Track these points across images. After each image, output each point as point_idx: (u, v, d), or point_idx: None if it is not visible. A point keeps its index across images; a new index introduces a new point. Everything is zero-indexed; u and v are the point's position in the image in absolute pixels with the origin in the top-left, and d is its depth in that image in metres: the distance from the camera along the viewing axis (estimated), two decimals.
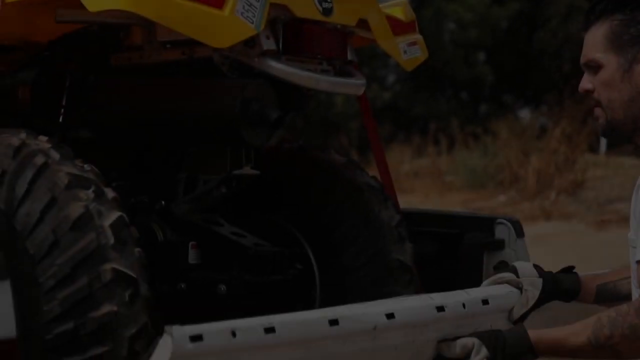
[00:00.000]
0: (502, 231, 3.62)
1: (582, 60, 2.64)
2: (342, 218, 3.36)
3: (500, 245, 3.62)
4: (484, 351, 2.52)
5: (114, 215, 2.60)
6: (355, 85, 3.13)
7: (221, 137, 2.97)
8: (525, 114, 22.01)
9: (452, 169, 16.85)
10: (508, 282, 2.75)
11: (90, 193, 2.60)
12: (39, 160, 2.60)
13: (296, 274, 3.35)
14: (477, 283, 3.55)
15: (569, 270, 2.84)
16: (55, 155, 2.64)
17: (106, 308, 2.52)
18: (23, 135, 2.67)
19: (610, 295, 2.80)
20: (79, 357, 2.50)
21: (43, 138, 2.70)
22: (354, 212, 3.36)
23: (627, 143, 2.67)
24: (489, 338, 2.55)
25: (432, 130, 17.88)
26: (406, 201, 3.67)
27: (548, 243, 11.89)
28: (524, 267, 2.77)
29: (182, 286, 3.10)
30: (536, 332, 2.52)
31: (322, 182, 3.40)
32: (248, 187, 3.29)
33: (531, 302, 2.71)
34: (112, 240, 2.57)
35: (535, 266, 2.80)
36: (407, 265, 3.37)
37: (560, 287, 2.76)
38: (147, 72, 3.16)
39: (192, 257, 3.11)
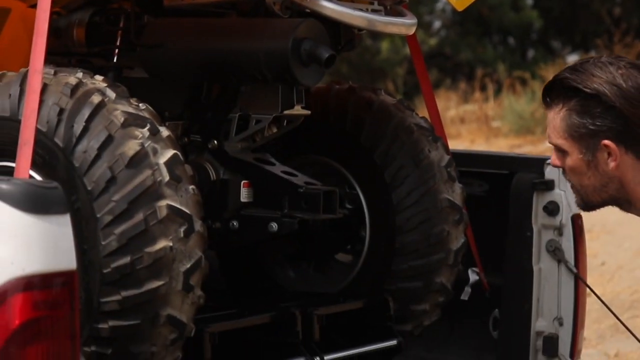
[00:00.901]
0: (552, 172, 3.62)
1: (548, 139, 2.64)
2: (392, 158, 3.38)
3: (550, 185, 3.62)
4: None
5: (169, 153, 2.65)
6: (406, 25, 3.13)
7: (273, 76, 2.99)
8: (574, 59, 21.82)
9: (498, 114, 16.76)
10: None
11: (145, 131, 2.64)
12: (96, 99, 2.65)
13: (346, 213, 3.40)
14: (526, 221, 3.62)
15: None
16: (112, 94, 2.68)
17: (161, 243, 2.58)
18: (80, 74, 2.71)
19: None
20: (135, 290, 2.56)
21: (99, 77, 2.74)
22: (404, 152, 3.37)
23: None
24: None
25: (479, 76, 17.79)
26: (452, 146, 3.70)
27: None
28: None
29: (234, 224, 3.15)
30: None
31: (373, 123, 3.41)
32: (299, 126, 3.32)
33: None
34: (167, 178, 2.61)
35: None
36: (457, 205, 3.39)
37: None
38: (200, 12, 3.19)
39: (244, 195, 3.15)
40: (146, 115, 2.69)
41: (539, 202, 3.63)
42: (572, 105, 2.54)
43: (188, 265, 2.62)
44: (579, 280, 3.63)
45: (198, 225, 2.66)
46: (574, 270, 3.58)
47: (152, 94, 3.00)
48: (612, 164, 2.55)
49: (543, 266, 3.65)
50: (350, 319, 3.28)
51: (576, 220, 3.61)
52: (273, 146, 3.38)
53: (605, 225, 10.15)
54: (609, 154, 2.54)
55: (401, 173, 3.37)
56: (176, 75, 3.15)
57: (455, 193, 3.41)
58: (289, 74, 2.94)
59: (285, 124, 3.23)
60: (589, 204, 2.64)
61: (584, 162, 2.57)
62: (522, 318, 3.62)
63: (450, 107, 18.35)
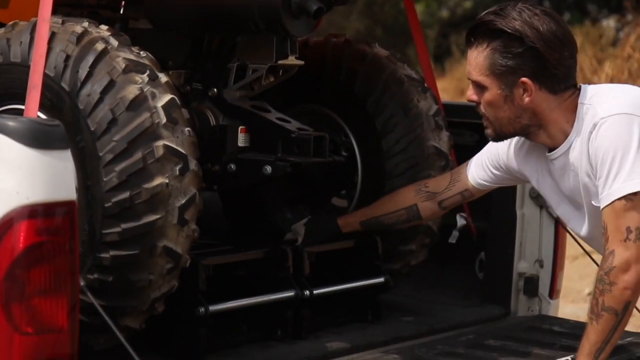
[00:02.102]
0: None
1: (467, 75, 2.89)
2: (383, 107, 3.55)
3: None
4: None
5: (166, 97, 2.84)
6: None
7: (266, 27, 3.16)
8: (610, 23, 21.70)
9: None
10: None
11: (145, 77, 2.83)
12: (100, 46, 2.85)
13: (339, 158, 3.60)
14: None
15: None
16: (114, 42, 2.88)
17: (158, 180, 2.78)
18: (85, 23, 2.91)
19: (375, 227, 3.39)
20: (134, 223, 2.77)
21: (104, 27, 2.94)
22: (394, 101, 3.55)
23: None
24: None
25: None
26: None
27: None
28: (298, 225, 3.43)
29: (232, 167, 3.35)
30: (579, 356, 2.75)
31: (366, 74, 3.59)
32: (296, 77, 3.52)
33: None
34: (164, 120, 2.81)
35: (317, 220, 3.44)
36: (443, 152, 3.58)
37: (322, 228, 3.42)
38: None
39: (241, 140, 3.35)
40: (146, 62, 2.89)
41: None
42: (496, 45, 2.79)
43: (183, 201, 2.83)
44: (559, 225, 3.81)
45: (193, 165, 2.86)
46: (555, 214, 3.76)
47: (156, 45, 3.20)
48: (527, 99, 2.82)
49: (526, 211, 3.83)
50: (340, 256, 3.49)
51: None
52: (272, 95, 3.59)
53: None
54: (525, 90, 2.82)
55: (391, 121, 3.55)
56: (178, 26, 3.35)
57: (442, 141, 3.60)
58: (280, 25, 3.13)
59: (280, 73, 3.44)
60: (500, 135, 2.92)
61: (501, 97, 2.83)
62: (505, 260, 3.81)
63: None
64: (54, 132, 2.44)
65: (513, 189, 3.78)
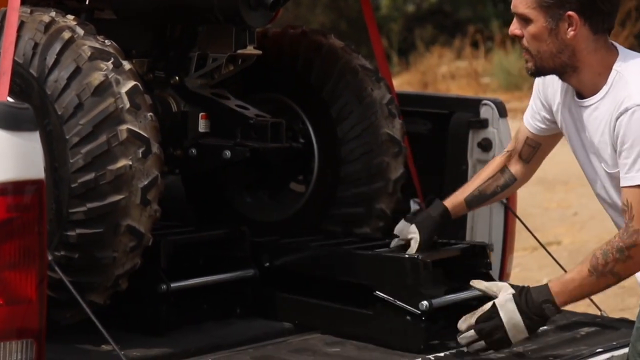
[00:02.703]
0: (486, 111, 3.98)
1: (513, 9, 2.94)
2: (338, 95, 3.71)
3: (484, 124, 3.97)
4: (510, 289, 3.03)
5: (130, 83, 3.00)
6: None
7: (225, 18, 3.32)
8: None
9: (488, 71, 17.05)
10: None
11: (109, 64, 2.99)
12: (66, 35, 3.00)
13: (296, 144, 3.76)
14: (462, 156, 3.98)
15: (432, 201, 3.44)
16: (80, 31, 3.03)
17: (122, 162, 2.94)
18: (53, 13, 3.06)
19: (478, 201, 3.39)
20: (99, 202, 2.92)
21: (70, 16, 3.09)
22: (349, 90, 3.71)
23: None
24: (518, 288, 3.02)
25: (471, 33, 18.01)
26: None
27: None
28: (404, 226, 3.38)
29: (193, 151, 3.50)
30: (552, 283, 2.97)
31: (322, 64, 3.75)
32: (255, 66, 3.67)
33: (415, 244, 3.31)
34: (127, 105, 2.97)
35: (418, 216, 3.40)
36: (396, 139, 3.74)
37: (433, 219, 3.35)
38: None
39: (202, 126, 3.49)
40: (111, 50, 3.04)
41: (474, 139, 3.97)
42: None
43: (145, 182, 2.98)
44: (509, 211, 3.99)
45: (155, 148, 3.02)
46: (504, 200, 3.93)
47: (120, 34, 3.34)
48: (571, 33, 2.90)
49: None
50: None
51: None
52: (232, 83, 3.74)
53: (580, 178, 10.54)
54: (570, 24, 2.89)
55: (346, 109, 3.71)
56: (141, 17, 3.49)
57: (395, 128, 3.76)
58: (239, 16, 3.29)
59: (239, 62, 3.59)
60: (540, 69, 2.97)
61: (546, 30, 2.90)
62: None
63: (443, 63, 18.61)
64: (23, 115, 2.58)
65: (464, 174, 3.95)
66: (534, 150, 3.30)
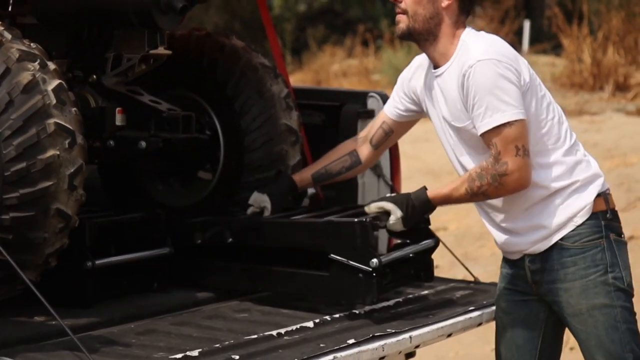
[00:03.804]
0: (372, 102, 4.40)
1: None
2: (241, 91, 4.06)
3: (371, 114, 4.38)
4: (399, 212, 3.46)
5: (55, 82, 3.30)
6: None
7: (139, 22, 3.66)
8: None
9: (378, 68, 17.55)
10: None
11: (36, 65, 3.28)
12: None
13: (204, 135, 4.12)
14: None
15: (278, 174, 3.93)
16: (8, 35, 3.32)
17: (50, 152, 3.22)
18: None
19: (324, 178, 3.86)
20: (30, 189, 3.21)
21: None
22: (250, 86, 4.07)
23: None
24: (401, 200, 3.49)
25: (361, 31, 18.48)
26: None
27: None
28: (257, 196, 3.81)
29: (111, 143, 3.84)
30: (430, 191, 3.46)
31: (225, 62, 4.10)
32: (165, 65, 4.03)
33: (267, 212, 3.76)
34: (54, 101, 3.26)
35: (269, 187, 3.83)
36: (293, 129, 4.12)
37: (282, 190, 3.81)
38: None
39: (119, 119, 3.82)
40: (37, 52, 3.34)
41: (362, 128, 4.33)
42: None
43: (72, 170, 3.29)
44: (395, 191, 4.42)
45: (80, 139, 3.33)
46: (390, 183, 4.37)
47: (41, 37, 3.66)
48: (446, 3, 3.39)
49: (366, 180, 4.42)
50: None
51: None
52: (146, 81, 4.09)
53: None
54: None
55: (248, 103, 4.06)
56: (60, 21, 3.80)
57: (292, 119, 4.15)
58: (151, 20, 3.64)
59: (151, 62, 3.95)
60: (410, 30, 3.43)
61: None
62: None
63: (334, 61, 19.06)
64: None
65: None
66: (386, 136, 3.76)
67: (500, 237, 3.50)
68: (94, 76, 3.87)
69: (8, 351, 3.05)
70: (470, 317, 3.69)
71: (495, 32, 15.88)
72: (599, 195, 3.43)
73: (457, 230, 9.41)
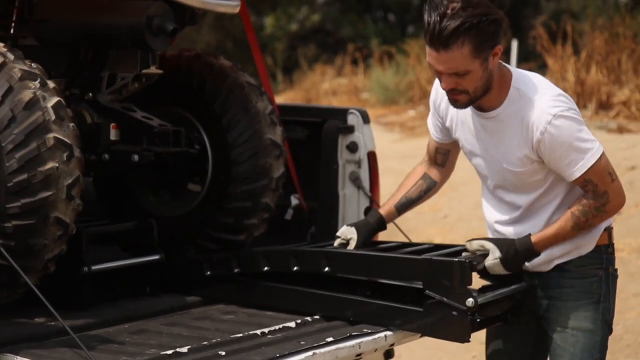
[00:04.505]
0: (353, 119, 4.63)
1: (449, 70, 3.29)
2: (228, 107, 4.29)
3: (351, 129, 4.61)
4: (498, 252, 3.52)
5: (55, 99, 3.52)
6: (231, 5, 4.13)
7: (132, 43, 3.92)
8: None
9: (367, 86, 17.80)
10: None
11: (37, 83, 3.50)
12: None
13: (193, 150, 4.37)
14: (334, 157, 4.62)
15: (369, 210, 4.00)
16: (11, 56, 3.54)
17: (50, 164, 3.44)
18: None
19: (407, 205, 3.91)
20: (31, 198, 3.43)
21: (1, 44, 3.67)
22: (237, 103, 4.30)
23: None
24: (504, 243, 3.53)
25: (351, 51, 18.73)
26: None
27: None
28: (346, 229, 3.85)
29: (106, 156, 4.08)
30: (534, 236, 3.50)
31: (213, 81, 4.34)
32: (157, 84, 4.28)
33: (353, 243, 3.79)
34: (53, 117, 3.48)
35: (358, 222, 3.88)
36: (277, 143, 4.35)
37: (370, 225, 3.84)
38: None
39: (113, 134, 4.05)
40: (37, 72, 3.57)
41: (343, 142, 4.60)
42: (472, 36, 3.25)
43: (70, 181, 3.50)
44: (374, 203, 4.66)
45: (77, 152, 3.55)
46: (369, 194, 4.61)
47: (41, 58, 3.90)
48: (495, 61, 3.35)
49: (347, 192, 4.63)
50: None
51: (371, 156, 4.61)
52: (139, 99, 4.33)
53: (450, 185, 11.30)
54: (495, 54, 3.34)
55: (235, 119, 4.29)
56: (59, 43, 4.05)
57: (276, 134, 4.38)
58: (144, 41, 3.89)
59: (144, 80, 4.21)
60: (473, 100, 3.39)
61: (481, 70, 3.33)
62: (330, 232, 4.46)
63: (325, 80, 19.30)
64: None
65: (335, 173, 4.61)
66: (445, 156, 3.80)
67: None
68: (90, 94, 4.11)
69: (12, 348, 3.29)
70: None
71: None
72: (604, 230, 3.58)
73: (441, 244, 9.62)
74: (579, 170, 3.43)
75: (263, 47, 22.36)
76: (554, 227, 3.50)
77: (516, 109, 3.43)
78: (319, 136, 4.68)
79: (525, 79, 3.48)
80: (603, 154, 3.45)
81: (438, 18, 3.26)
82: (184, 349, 3.33)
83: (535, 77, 3.50)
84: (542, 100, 3.40)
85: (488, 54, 3.33)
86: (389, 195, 4.34)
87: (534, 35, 15.33)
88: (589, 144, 3.42)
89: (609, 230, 3.60)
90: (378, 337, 3.61)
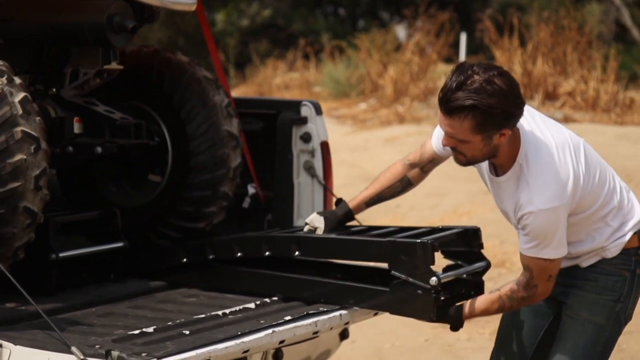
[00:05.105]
0: (306, 110, 4.82)
1: (449, 134, 3.40)
2: (186, 101, 4.47)
3: (304, 120, 4.80)
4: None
5: (21, 94, 3.68)
6: (188, 3, 4.32)
7: (94, 40, 4.09)
8: (401, 28, 23.04)
9: (319, 80, 18.01)
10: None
11: (4, 80, 3.67)
12: None
13: (153, 142, 4.54)
14: (288, 148, 4.81)
15: (339, 202, 4.14)
16: None
17: (18, 156, 3.61)
18: None
19: (376, 202, 4.08)
20: (1, 189, 3.59)
21: None
22: (195, 96, 4.47)
23: None
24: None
25: (302, 45, 18.92)
26: None
27: (400, 142, 13.18)
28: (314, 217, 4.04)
29: (70, 149, 4.26)
30: (466, 308, 3.66)
31: (171, 75, 4.51)
32: (118, 79, 4.46)
33: (320, 232, 3.99)
34: (21, 111, 3.64)
35: (326, 211, 4.08)
36: (234, 135, 4.53)
37: (337, 217, 4.05)
38: None
39: (77, 128, 4.23)
40: (4, 68, 3.73)
41: (297, 133, 4.79)
42: (477, 114, 3.35)
43: (37, 172, 3.66)
44: (327, 191, 4.84)
45: (44, 145, 3.71)
46: (322, 182, 4.81)
47: (7, 55, 4.04)
48: (501, 140, 3.42)
49: (301, 180, 4.81)
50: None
51: (324, 146, 4.80)
52: (101, 94, 4.49)
53: None
54: (502, 135, 3.41)
55: (193, 112, 4.47)
56: (24, 41, 4.22)
57: (233, 126, 4.56)
58: (105, 39, 4.08)
59: (105, 76, 4.39)
60: (471, 163, 3.53)
61: (482, 143, 3.43)
62: (286, 219, 4.80)
63: (277, 75, 19.48)
64: None
65: (290, 163, 4.80)
66: (435, 165, 3.94)
67: None
68: (54, 89, 4.28)
69: None
70: None
71: (432, 44, 16.44)
72: (634, 234, 3.67)
73: None
74: (529, 251, 3.53)
75: (215, 43, 22.33)
76: (483, 305, 3.66)
77: (514, 185, 3.53)
78: (274, 127, 4.85)
79: (534, 155, 3.50)
80: (558, 260, 3.54)
81: (454, 85, 3.35)
82: (150, 329, 3.51)
83: (547, 155, 3.50)
84: (539, 191, 3.46)
85: (492, 134, 3.41)
86: (342, 185, 4.53)
87: (482, 28, 15.63)
88: (554, 244, 3.49)
89: (638, 234, 3.67)
90: (333, 316, 3.82)
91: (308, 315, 3.75)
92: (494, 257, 8.59)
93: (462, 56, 17.74)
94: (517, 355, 3.86)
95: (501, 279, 8.09)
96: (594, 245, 3.66)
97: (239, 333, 3.48)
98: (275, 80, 18.91)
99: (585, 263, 3.69)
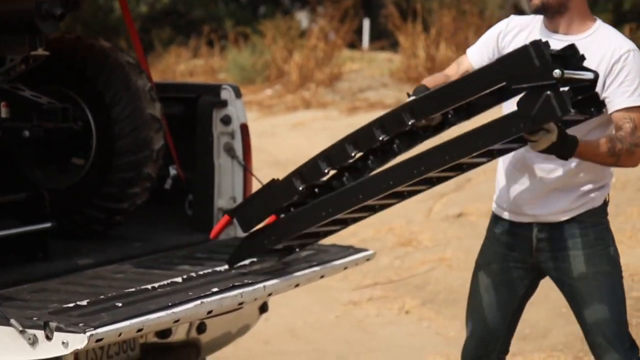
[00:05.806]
0: (225, 94, 5.00)
1: None
2: (110, 85, 4.63)
3: (224, 104, 4.98)
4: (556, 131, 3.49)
5: None
6: None
7: (22, 27, 4.21)
8: (302, 15, 23.25)
9: (224, 67, 18.12)
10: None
11: None
12: None
13: (77, 126, 4.68)
14: (209, 130, 4.99)
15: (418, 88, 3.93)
16: None
17: None
18: None
19: None
20: None
21: None
22: (118, 81, 4.64)
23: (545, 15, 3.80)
24: (562, 129, 3.56)
25: (206, 32, 18.99)
26: None
27: (306, 127, 13.42)
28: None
29: None
30: (581, 143, 3.59)
31: (95, 61, 4.67)
32: (45, 66, 4.57)
33: None
34: None
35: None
36: (157, 118, 4.70)
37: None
38: None
39: (4, 113, 4.36)
40: None
41: (217, 116, 4.96)
42: None
43: None
44: (247, 172, 5.04)
45: None
46: (242, 163, 5.00)
47: None
48: None
49: (222, 162, 4.99)
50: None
51: (243, 128, 4.99)
52: (28, 79, 4.61)
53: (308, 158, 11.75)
54: None
55: (117, 96, 4.63)
56: None
57: (156, 110, 4.73)
58: (33, 25, 4.21)
59: (31, 62, 4.51)
60: (543, 5, 3.75)
61: None
62: (208, 199, 4.98)
63: (180, 62, 19.53)
64: None
65: (211, 144, 4.98)
66: None
67: (531, 196, 3.83)
68: None
69: None
70: (314, 271, 4.36)
71: (336, 30, 16.71)
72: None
73: None
74: (632, 101, 3.67)
75: (114, 30, 22.34)
76: (598, 141, 3.66)
77: (602, 36, 3.75)
78: (195, 110, 5.02)
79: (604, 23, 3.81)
80: None
81: None
82: (84, 302, 3.68)
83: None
84: (621, 37, 3.77)
85: None
86: (261, 166, 4.71)
87: (386, 14, 15.94)
88: None
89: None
90: (257, 287, 4.02)
91: (234, 287, 3.95)
92: (400, 236, 8.89)
93: (366, 42, 18.06)
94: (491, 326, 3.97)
95: (408, 257, 8.39)
96: (596, 185, 3.83)
97: (170, 304, 3.66)
98: (179, 67, 18.96)
99: (577, 211, 3.82)
